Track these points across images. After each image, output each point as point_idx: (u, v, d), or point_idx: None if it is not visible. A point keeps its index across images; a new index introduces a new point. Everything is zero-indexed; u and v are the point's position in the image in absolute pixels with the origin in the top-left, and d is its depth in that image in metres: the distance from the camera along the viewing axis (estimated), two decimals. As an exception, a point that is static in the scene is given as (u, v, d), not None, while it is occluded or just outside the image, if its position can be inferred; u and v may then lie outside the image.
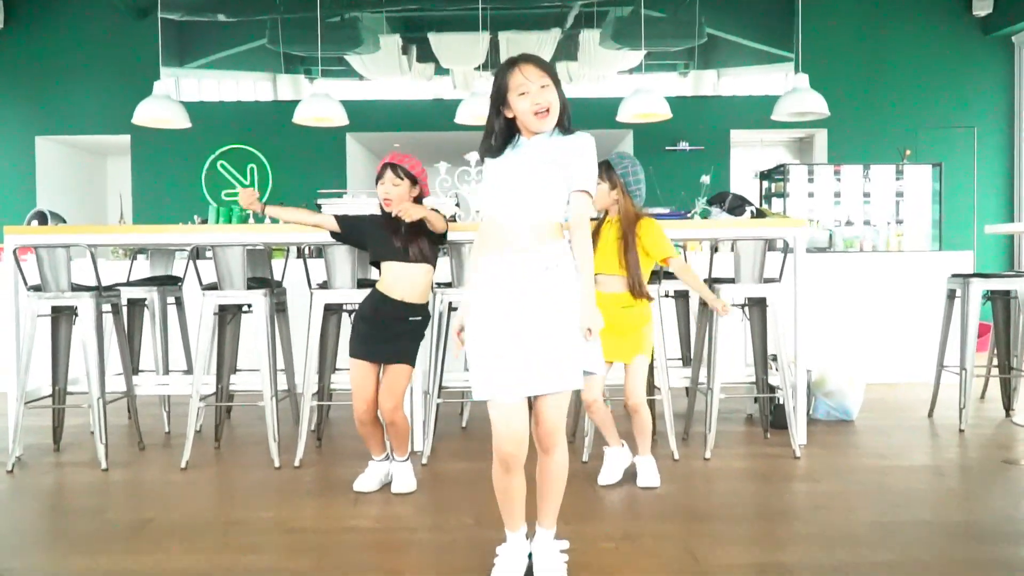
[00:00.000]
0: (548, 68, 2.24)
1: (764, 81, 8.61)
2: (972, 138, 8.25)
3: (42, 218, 5.92)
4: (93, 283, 3.78)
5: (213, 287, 3.75)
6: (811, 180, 7.25)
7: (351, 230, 3.48)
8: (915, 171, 7.10)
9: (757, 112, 8.17)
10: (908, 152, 7.26)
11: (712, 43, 8.57)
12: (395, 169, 3.21)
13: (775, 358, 3.95)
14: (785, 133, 8.91)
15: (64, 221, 5.94)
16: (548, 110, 2.23)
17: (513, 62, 2.24)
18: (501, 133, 2.31)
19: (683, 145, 8.41)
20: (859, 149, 8.22)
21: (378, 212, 3.34)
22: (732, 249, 3.81)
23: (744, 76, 8.69)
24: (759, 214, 4.03)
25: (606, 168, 3.24)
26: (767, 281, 3.83)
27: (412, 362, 3.23)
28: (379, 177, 3.24)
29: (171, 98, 6.39)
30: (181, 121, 6.37)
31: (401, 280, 3.21)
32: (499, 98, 2.26)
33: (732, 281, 3.81)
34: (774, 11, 8.41)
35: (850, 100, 8.16)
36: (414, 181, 3.26)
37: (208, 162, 8.41)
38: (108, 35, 8.49)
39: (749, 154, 9.26)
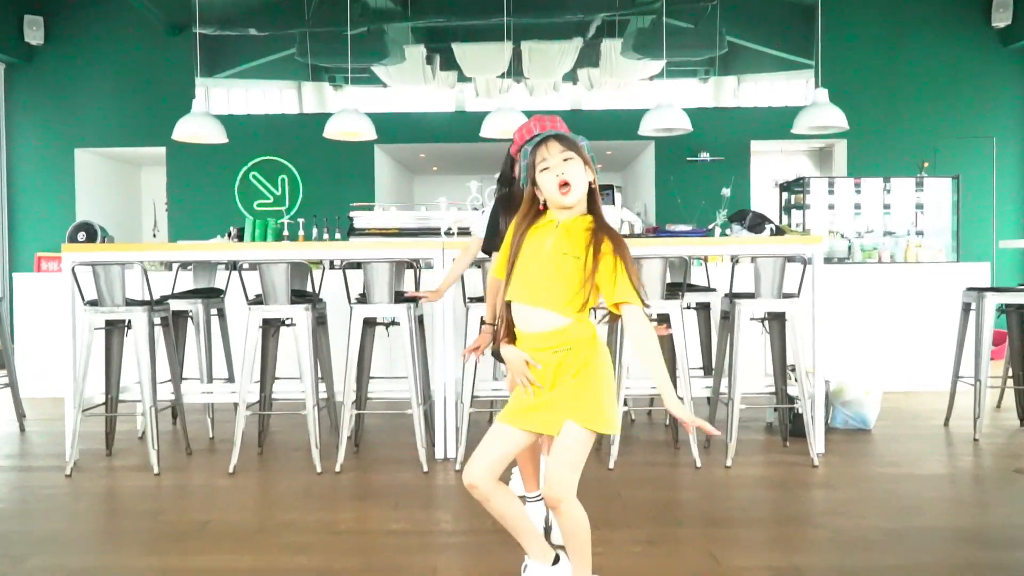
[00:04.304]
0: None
1: (784, 92, 8.74)
2: (991, 148, 8.35)
3: (89, 229, 6.20)
4: (143, 297, 4.02)
5: (258, 301, 3.97)
6: (831, 192, 7.38)
7: None
8: (934, 183, 7.23)
9: (777, 123, 8.32)
10: (926, 164, 7.38)
11: (733, 51, 8.73)
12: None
13: (794, 369, 4.11)
14: (805, 143, 9.04)
15: (106, 231, 6.21)
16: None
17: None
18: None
19: (704, 156, 8.56)
20: (879, 159, 8.35)
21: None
22: (752, 262, 3.99)
23: (764, 85, 8.83)
24: (778, 231, 4.18)
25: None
26: (786, 296, 4.00)
27: None
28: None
29: (209, 114, 6.62)
30: (218, 136, 6.61)
31: None
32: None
33: (752, 296, 3.99)
34: (795, 23, 8.55)
35: (870, 111, 8.30)
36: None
37: (241, 173, 8.68)
38: (143, 50, 8.79)
39: (769, 164, 9.40)
